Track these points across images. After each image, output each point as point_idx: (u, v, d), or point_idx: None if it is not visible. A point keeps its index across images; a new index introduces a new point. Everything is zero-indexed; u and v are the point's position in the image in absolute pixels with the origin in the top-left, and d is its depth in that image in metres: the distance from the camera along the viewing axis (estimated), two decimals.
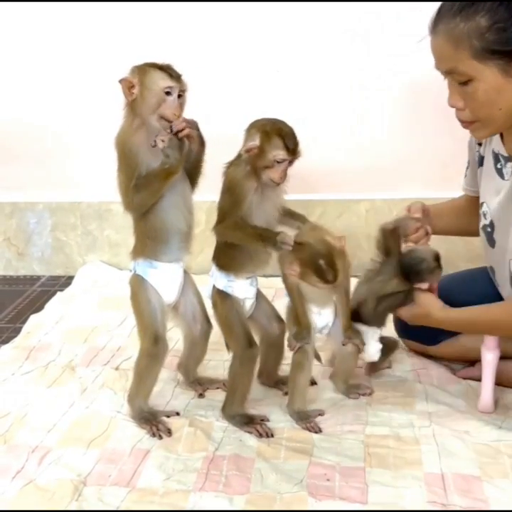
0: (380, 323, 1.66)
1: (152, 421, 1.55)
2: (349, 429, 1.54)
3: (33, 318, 2.17)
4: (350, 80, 2.38)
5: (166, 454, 1.46)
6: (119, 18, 2.39)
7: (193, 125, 1.46)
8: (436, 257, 1.60)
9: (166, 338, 1.57)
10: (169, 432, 1.53)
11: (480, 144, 1.63)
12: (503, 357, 1.62)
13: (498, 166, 1.53)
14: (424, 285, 1.60)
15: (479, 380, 1.64)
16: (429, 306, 1.56)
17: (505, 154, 1.51)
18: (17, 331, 2.10)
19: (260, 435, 1.52)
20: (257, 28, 2.36)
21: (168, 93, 1.44)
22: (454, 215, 1.79)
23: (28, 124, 2.52)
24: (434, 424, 1.54)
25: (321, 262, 1.47)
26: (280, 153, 1.44)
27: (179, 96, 1.45)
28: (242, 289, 1.58)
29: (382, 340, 1.67)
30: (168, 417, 1.60)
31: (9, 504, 1.33)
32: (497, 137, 1.53)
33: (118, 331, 2.06)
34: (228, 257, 1.56)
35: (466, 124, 1.44)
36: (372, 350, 1.66)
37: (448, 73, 1.38)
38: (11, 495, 1.35)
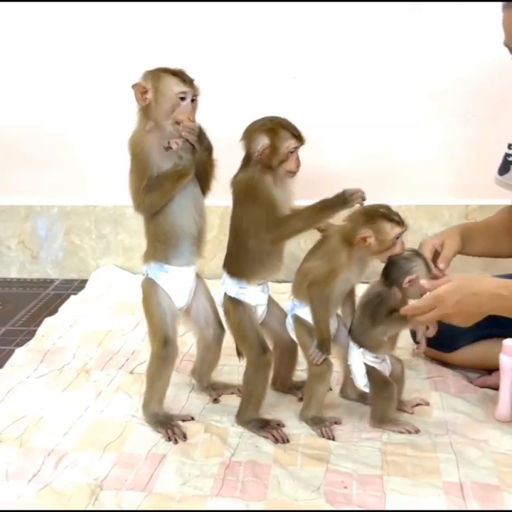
0: (366, 341, 1.54)
1: (167, 424, 1.55)
2: (366, 437, 1.53)
3: (47, 322, 2.18)
4: (365, 86, 2.38)
5: (182, 459, 1.46)
6: (133, 23, 2.40)
7: (193, 131, 1.45)
8: (414, 250, 1.53)
9: (176, 342, 1.57)
10: (185, 437, 1.53)
11: None
12: None
13: None
14: (410, 277, 1.47)
15: (496, 388, 1.63)
16: (471, 278, 1.37)
17: None
18: (31, 334, 2.10)
19: (276, 440, 1.52)
20: (273, 34, 2.36)
21: (182, 98, 1.45)
22: (489, 237, 1.72)
23: (43, 129, 2.52)
24: (451, 433, 1.53)
25: (382, 210, 1.49)
26: (292, 143, 1.47)
27: (192, 100, 1.47)
28: (254, 295, 1.58)
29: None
30: (183, 421, 1.59)
31: (26, 508, 1.32)
32: None
33: (132, 335, 2.05)
34: (240, 263, 1.55)
35: None
36: (357, 372, 1.56)
37: None
38: (27, 499, 1.34)
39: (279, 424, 1.57)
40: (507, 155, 1.71)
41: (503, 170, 1.73)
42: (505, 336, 1.60)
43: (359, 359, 1.56)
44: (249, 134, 1.49)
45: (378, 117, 2.40)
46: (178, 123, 1.45)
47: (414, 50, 2.32)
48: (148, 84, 1.46)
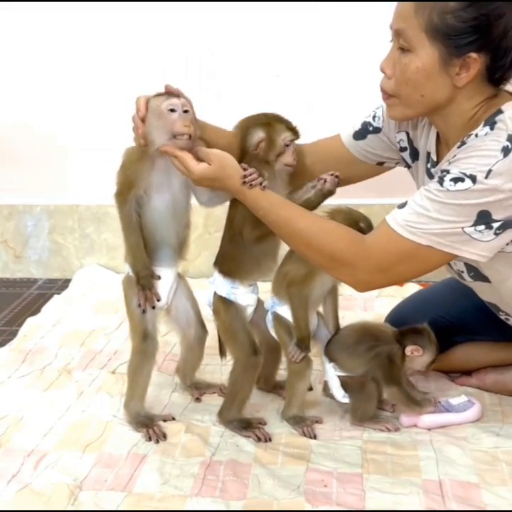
0: (339, 359, 1.57)
1: (148, 425, 1.55)
2: (347, 435, 1.53)
3: (30, 321, 2.16)
4: (349, 84, 2.38)
5: (163, 459, 1.45)
6: (117, 25, 2.39)
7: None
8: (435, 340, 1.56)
9: (156, 337, 1.57)
10: (164, 436, 1.53)
11: (407, 134, 1.56)
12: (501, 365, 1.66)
13: (428, 165, 1.51)
14: (415, 349, 1.53)
15: (476, 387, 1.67)
16: (233, 167, 1.39)
17: (435, 159, 1.48)
18: (14, 334, 2.09)
19: (259, 439, 1.52)
20: (256, 32, 2.37)
21: (172, 110, 1.43)
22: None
23: (27, 127, 2.51)
24: (431, 431, 1.53)
25: (362, 225, 1.49)
26: (288, 136, 1.48)
27: (186, 112, 1.44)
28: (245, 296, 1.57)
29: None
30: (164, 421, 1.59)
31: (5, 508, 1.32)
32: (433, 139, 1.49)
33: (115, 334, 2.05)
34: (235, 263, 1.54)
35: (386, 96, 1.42)
36: (332, 386, 1.57)
37: (396, 34, 1.36)
38: (7, 499, 1.34)
39: (261, 423, 1.57)
40: (367, 123, 1.64)
41: (359, 135, 1.65)
42: (472, 340, 1.72)
43: (332, 372, 1.56)
44: (245, 129, 1.49)
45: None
46: (176, 135, 1.42)
47: None
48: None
